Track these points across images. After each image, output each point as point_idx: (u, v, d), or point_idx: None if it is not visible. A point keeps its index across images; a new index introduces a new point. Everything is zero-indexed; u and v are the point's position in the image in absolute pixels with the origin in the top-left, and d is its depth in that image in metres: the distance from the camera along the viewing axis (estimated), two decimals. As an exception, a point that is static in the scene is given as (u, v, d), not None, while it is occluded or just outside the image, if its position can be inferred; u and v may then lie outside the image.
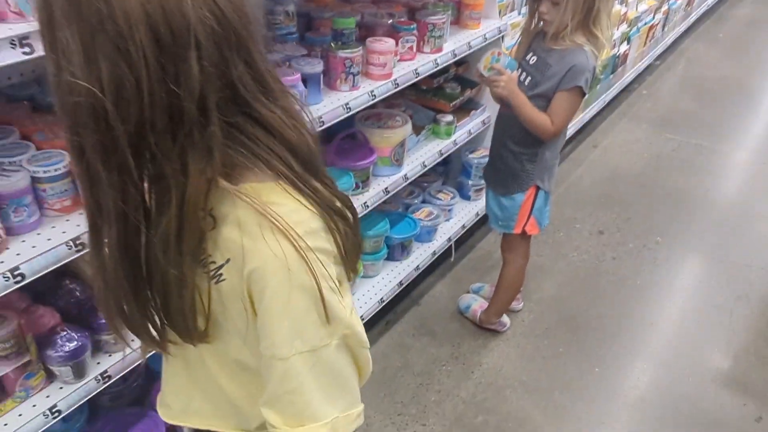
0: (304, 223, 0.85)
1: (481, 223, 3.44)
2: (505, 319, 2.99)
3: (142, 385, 2.13)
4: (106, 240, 0.83)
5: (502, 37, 3.01)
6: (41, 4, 0.73)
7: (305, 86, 2.03)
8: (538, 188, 2.53)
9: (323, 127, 2.09)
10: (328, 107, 2.11)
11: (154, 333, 0.95)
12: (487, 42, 2.85)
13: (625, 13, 4.56)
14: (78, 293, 1.79)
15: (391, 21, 2.51)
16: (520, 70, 2.38)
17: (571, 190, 4.06)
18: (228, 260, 0.86)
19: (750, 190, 4.25)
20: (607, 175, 4.27)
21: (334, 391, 0.92)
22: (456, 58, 2.69)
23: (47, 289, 1.78)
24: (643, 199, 4.04)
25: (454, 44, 2.68)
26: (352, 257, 0.91)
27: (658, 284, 3.36)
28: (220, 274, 0.87)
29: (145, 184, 0.81)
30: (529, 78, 2.38)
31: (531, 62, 2.38)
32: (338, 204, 0.90)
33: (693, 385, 2.78)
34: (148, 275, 0.87)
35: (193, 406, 1.12)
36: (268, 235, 0.83)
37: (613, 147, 4.61)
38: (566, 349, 2.92)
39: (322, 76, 2.12)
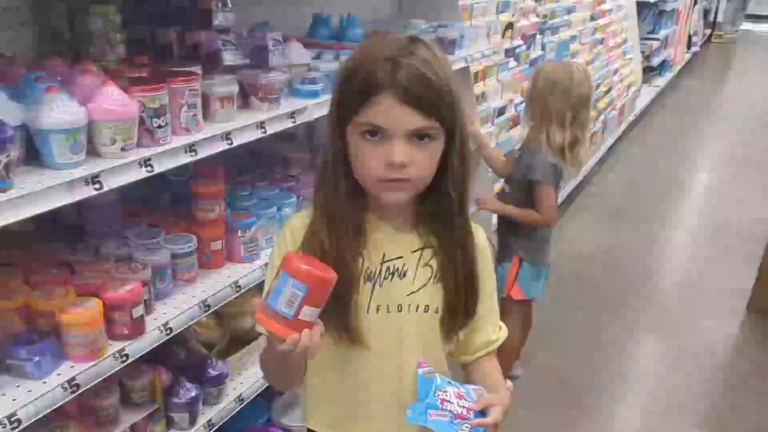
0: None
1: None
2: (509, 383, 3.40)
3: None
4: None
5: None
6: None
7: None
8: (521, 259, 3.05)
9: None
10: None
11: None
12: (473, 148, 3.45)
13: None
14: (182, 356, 2.15)
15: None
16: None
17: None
18: None
19: (698, 264, 4.89)
20: (577, 259, 4.84)
21: None
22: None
23: (157, 354, 2.13)
24: (610, 277, 4.60)
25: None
26: None
27: (634, 346, 3.85)
28: None
29: None
30: (512, 166, 3.00)
31: (516, 156, 2.98)
32: None
33: (678, 428, 3.22)
34: None
35: None
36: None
37: (576, 235, 5.23)
38: (565, 402, 3.33)
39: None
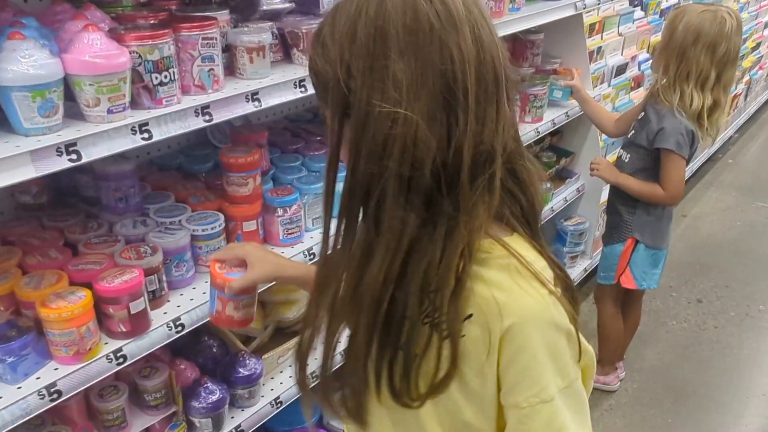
0: (545, 270, 0.88)
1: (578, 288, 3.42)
2: (613, 376, 2.94)
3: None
4: (366, 273, 0.84)
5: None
6: (367, 35, 0.78)
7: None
8: (636, 241, 2.56)
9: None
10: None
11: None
12: (582, 111, 2.93)
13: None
14: (215, 349, 1.89)
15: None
16: (632, 130, 2.46)
17: (663, 258, 4.00)
18: (470, 315, 0.85)
19: None
20: (700, 244, 4.19)
21: (584, 417, 0.94)
22: (555, 127, 2.77)
23: (186, 345, 1.88)
24: (741, 266, 3.93)
25: (553, 114, 2.77)
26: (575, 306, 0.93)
27: (766, 353, 3.23)
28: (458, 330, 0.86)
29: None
30: (633, 132, 2.49)
31: (639, 117, 2.45)
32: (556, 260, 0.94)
33: (819, 460, 2.63)
34: (388, 321, 0.87)
35: None
36: (522, 282, 0.84)
37: (703, 216, 4.54)
38: (675, 420, 2.81)
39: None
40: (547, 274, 0.88)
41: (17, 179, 1.14)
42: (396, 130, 0.78)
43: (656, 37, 3.96)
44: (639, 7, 3.81)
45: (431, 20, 0.78)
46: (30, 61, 1.15)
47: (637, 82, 3.76)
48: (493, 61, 0.81)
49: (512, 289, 0.84)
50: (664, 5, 4.08)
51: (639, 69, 3.77)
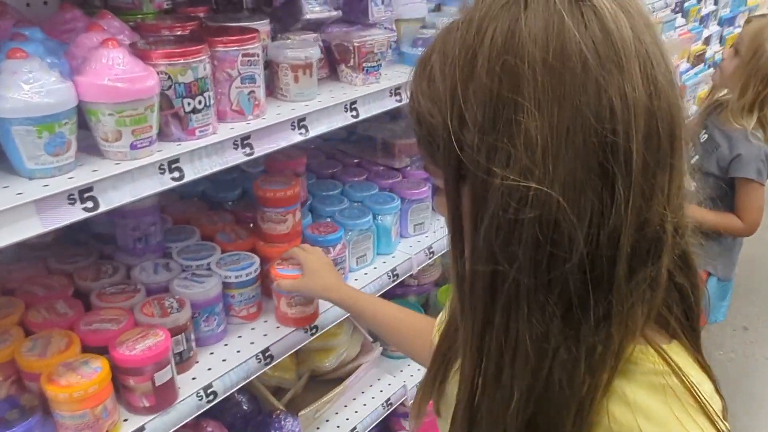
0: (713, 397, 0.65)
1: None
2: None
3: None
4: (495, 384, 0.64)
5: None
6: (489, 72, 0.56)
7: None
8: (709, 274, 2.36)
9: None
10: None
11: None
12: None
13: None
14: (245, 406, 1.65)
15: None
16: (694, 155, 2.24)
17: (705, 280, 3.77)
18: None
19: None
20: (740, 264, 3.95)
21: None
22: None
23: (211, 400, 1.64)
24: (788, 290, 3.71)
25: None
26: None
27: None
28: None
29: None
30: (696, 156, 2.25)
31: (702, 140, 2.23)
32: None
33: None
34: None
35: None
36: (682, 414, 0.61)
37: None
38: (737, 465, 2.58)
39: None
40: (715, 403, 0.65)
41: (19, 237, 0.90)
42: (526, 213, 0.55)
43: (697, 46, 3.74)
44: (680, 14, 3.59)
45: (585, 55, 0.54)
46: (35, 86, 0.91)
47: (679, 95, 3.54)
48: (670, 110, 0.58)
49: (668, 422, 0.61)
50: (704, 12, 3.85)
51: (681, 80, 3.54)
